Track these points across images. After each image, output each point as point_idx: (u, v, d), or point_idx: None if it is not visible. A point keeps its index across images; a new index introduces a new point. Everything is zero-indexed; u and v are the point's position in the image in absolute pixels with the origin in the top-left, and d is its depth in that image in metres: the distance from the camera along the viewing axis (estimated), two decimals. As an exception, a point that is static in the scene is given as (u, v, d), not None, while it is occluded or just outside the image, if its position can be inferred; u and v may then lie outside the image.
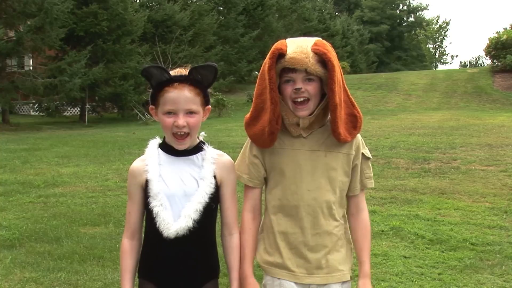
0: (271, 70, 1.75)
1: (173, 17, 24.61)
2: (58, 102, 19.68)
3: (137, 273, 1.92)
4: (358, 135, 1.92)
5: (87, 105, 21.21)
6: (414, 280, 3.75)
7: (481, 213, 5.47)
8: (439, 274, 3.86)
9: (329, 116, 1.85)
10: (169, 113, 1.79)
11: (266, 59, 1.79)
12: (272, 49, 1.76)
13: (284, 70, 1.78)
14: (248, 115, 1.91)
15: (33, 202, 6.27)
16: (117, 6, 20.38)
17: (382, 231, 4.86)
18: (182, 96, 1.77)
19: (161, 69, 1.79)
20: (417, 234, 4.77)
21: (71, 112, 23.67)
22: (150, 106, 1.87)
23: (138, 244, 1.91)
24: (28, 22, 17.31)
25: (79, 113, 22.33)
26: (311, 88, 1.79)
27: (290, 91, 1.79)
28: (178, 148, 1.83)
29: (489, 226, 5.02)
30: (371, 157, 1.98)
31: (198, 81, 1.80)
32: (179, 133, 1.80)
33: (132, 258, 1.89)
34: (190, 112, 1.79)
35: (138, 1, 26.63)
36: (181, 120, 1.78)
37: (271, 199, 1.91)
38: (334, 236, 1.88)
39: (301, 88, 1.77)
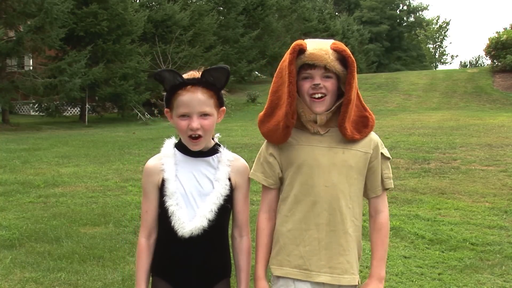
0: (291, 64, 1.77)
1: (173, 17, 24.59)
2: (58, 102, 19.67)
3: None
4: (377, 137, 1.92)
5: (87, 105, 21.21)
6: (414, 280, 3.75)
7: (481, 213, 5.47)
8: (439, 274, 3.86)
9: None
10: (183, 116, 1.81)
11: (285, 56, 1.81)
12: (292, 45, 1.80)
13: (303, 67, 1.81)
14: (261, 113, 1.93)
15: (33, 202, 6.27)
16: (117, 6, 20.38)
17: (382, 231, 4.86)
18: (195, 98, 1.79)
19: (174, 73, 1.80)
20: (417, 234, 4.77)
21: (71, 112, 23.67)
22: (165, 109, 1.89)
23: (155, 243, 1.93)
24: (28, 22, 17.31)
25: (79, 113, 22.34)
26: (329, 85, 1.81)
27: (308, 87, 1.82)
28: (193, 149, 1.85)
29: (489, 226, 5.02)
30: (391, 157, 1.96)
31: (211, 84, 1.82)
32: (193, 136, 1.82)
33: (149, 257, 1.91)
34: (204, 115, 1.81)
35: (138, 1, 26.62)
36: (195, 123, 1.79)
37: (287, 196, 1.89)
38: (349, 236, 1.85)
39: (320, 84, 1.80)
